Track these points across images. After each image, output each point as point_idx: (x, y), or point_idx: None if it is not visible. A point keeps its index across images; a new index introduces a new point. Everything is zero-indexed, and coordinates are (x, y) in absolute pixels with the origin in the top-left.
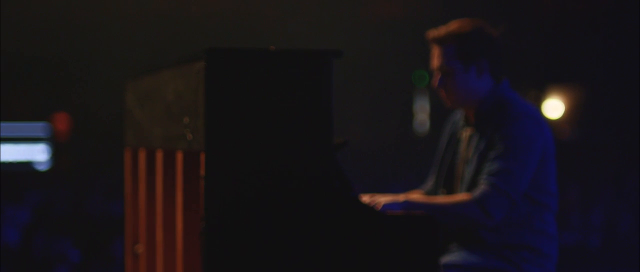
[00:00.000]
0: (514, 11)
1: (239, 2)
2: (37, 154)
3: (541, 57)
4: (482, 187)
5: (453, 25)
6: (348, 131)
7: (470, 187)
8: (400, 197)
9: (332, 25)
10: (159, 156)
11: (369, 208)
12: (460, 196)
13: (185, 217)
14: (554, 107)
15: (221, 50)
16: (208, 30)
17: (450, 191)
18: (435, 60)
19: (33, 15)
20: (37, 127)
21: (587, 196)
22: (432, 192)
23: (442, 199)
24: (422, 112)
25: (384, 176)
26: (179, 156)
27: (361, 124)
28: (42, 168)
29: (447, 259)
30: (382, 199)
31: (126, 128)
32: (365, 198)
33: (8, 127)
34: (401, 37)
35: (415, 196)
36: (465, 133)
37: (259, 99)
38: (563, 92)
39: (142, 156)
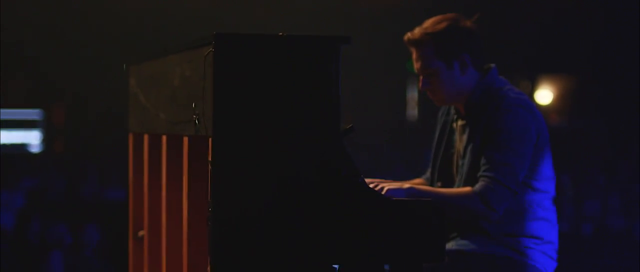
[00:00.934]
0: (504, 1)
1: None
2: (32, 139)
3: (531, 48)
4: (482, 182)
5: (427, 25)
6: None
7: (467, 181)
8: (405, 185)
9: (327, 14)
10: (164, 141)
11: (377, 194)
12: (464, 189)
13: (191, 202)
14: (543, 97)
15: (229, 36)
16: (198, 18)
17: (447, 183)
18: (416, 63)
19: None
20: (33, 113)
21: (578, 185)
22: (429, 184)
23: (446, 190)
24: (412, 101)
25: (377, 163)
26: (185, 141)
27: (354, 112)
28: (35, 151)
29: (449, 246)
30: (387, 185)
31: (129, 113)
32: (371, 184)
33: (3, 114)
34: (395, 25)
35: (418, 184)
36: (458, 124)
37: (267, 84)
38: (553, 81)
39: (146, 141)
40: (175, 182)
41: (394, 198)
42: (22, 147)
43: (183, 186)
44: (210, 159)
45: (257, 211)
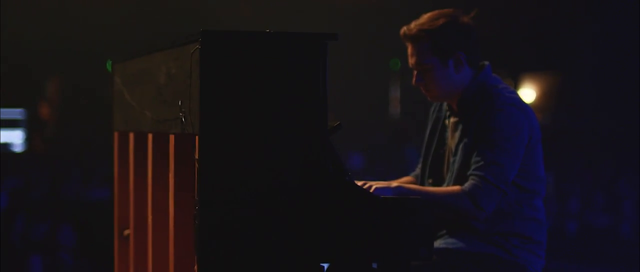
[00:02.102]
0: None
1: None
2: (14, 139)
3: (513, 46)
4: (472, 181)
5: (424, 20)
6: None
7: (457, 179)
8: (393, 183)
9: (309, 10)
10: (150, 139)
11: (365, 192)
12: (452, 188)
13: (177, 201)
14: (526, 95)
15: (216, 33)
16: (185, 15)
17: (438, 181)
18: (411, 58)
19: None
20: (15, 112)
21: (562, 182)
22: (420, 180)
23: (434, 189)
24: (394, 100)
25: (362, 163)
26: (172, 139)
27: (337, 110)
28: (18, 150)
29: (438, 243)
30: (375, 184)
31: (114, 111)
32: (359, 184)
33: None
34: (377, 23)
35: (406, 182)
36: (451, 121)
37: (254, 81)
38: (535, 80)
39: (131, 140)
40: (161, 181)
41: (384, 197)
42: (4, 147)
43: (169, 184)
44: (196, 157)
45: (244, 209)
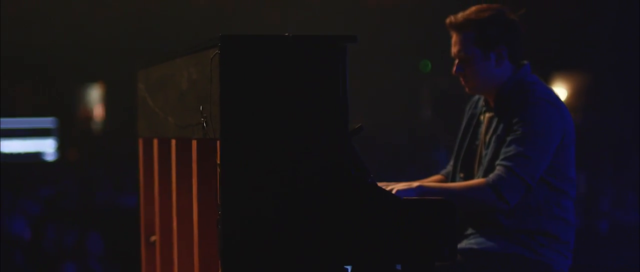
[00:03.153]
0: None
1: None
2: (46, 147)
3: (545, 45)
4: (497, 171)
5: (471, 11)
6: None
7: (487, 171)
8: (414, 184)
9: (338, 13)
10: (173, 145)
11: (387, 193)
12: (475, 181)
13: (201, 206)
14: (558, 94)
15: (235, 37)
16: (205, 20)
17: (469, 174)
18: (454, 47)
19: (39, 10)
20: (46, 121)
21: (593, 181)
22: (451, 175)
23: (456, 184)
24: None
25: (391, 164)
26: (194, 145)
27: (368, 112)
28: (50, 159)
29: (463, 244)
30: (396, 186)
31: (139, 118)
32: (381, 185)
33: (17, 122)
34: (406, 24)
35: (432, 181)
36: (486, 116)
37: (274, 85)
38: (567, 79)
39: (155, 146)
40: (185, 186)
41: (407, 198)
42: (37, 156)
43: (193, 189)
44: (218, 161)
45: (266, 212)
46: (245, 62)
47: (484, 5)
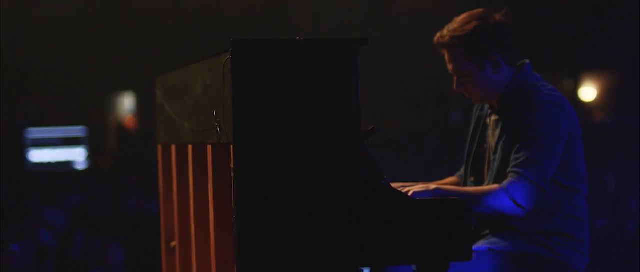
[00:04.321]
0: (545, 0)
1: None
2: (77, 156)
3: (574, 46)
4: (510, 178)
5: (455, 26)
6: (385, 121)
7: (497, 177)
8: (431, 186)
9: (366, 16)
10: (190, 150)
11: (401, 194)
12: (491, 187)
13: (217, 210)
14: (587, 94)
15: (246, 42)
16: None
17: (479, 178)
18: (449, 65)
19: (69, 20)
20: (76, 130)
21: (623, 181)
22: (463, 179)
23: (472, 189)
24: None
25: (421, 166)
26: (209, 150)
27: (397, 114)
28: (80, 167)
29: (480, 244)
30: (413, 188)
31: (157, 124)
32: (398, 187)
33: (48, 131)
34: (435, 26)
35: (447, 184)
36: (492, 119)
37: (286, 89)
38: (596, 78)
39: (173, 152)
40: (202, 191)
41: (421, 199)
42: (67, 165)
43: (209, 194)
44: (232, 166)
45: (280, 215)
46: (256, 67)
47: (466, 16)
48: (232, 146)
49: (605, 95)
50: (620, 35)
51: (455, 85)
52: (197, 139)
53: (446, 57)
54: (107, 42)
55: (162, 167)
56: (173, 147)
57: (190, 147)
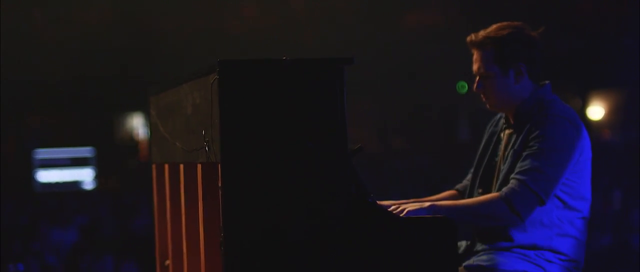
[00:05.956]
0: (554, 18)
1: (283, 12)
2: (84, 176)
3: (581, 64)
4: (511, 184)
5: (491, 29)
6: (390, 139)
7: (503, 185)
8: (426, 203)
9: (374, 33)
10: (182, 169)
11: (386, 212)
12: (487, 196)
13: (207, 229)
14: (595, 112)
15: (233, 62)
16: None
17: (487, 190)
18: (475, 64)
19: (77, 40)
20: (84, 151)
21: (629, 198)
22: (468, 191)
23: (468, 200)
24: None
25: (427, 184)
26: (199, 169)
27: (404, 132)
28: (88, 187)
29: (472, 261)
30: (407, 206)
31: (151, 144)
32: (392, 206)
33: (56, 152)
34: (443, 44)
35: (444, 198)
36: (506, 133)
37: (273, 108)
38: (604, 97)
39: (166, 171)
40: (193, 210)
41: (407, 217)
42: (75, 185)
43: (199, 212)
44: (220, 184)
45: (267, 233)
46: (243, 86)
47: (505, 23)
48: (219, 165)
49: (612, 114)
50: (628, 54)
51: (475, 86)
52: (188, 159)
53: (474, 56)
54: (114, 62)
55: (156, 186)
56: (166, 167)
57: (181, 166)
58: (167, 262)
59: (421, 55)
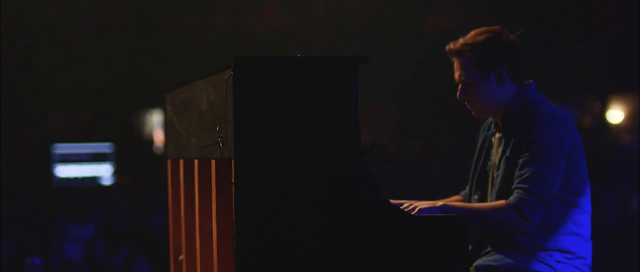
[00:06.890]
0: (574, 22)
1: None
2: (103, 172)
3: (601, 68)
4: (516, 194)
5: (469, 36)
6: (410, 140)
7: (499, 193)
8: (438, 203)
9: (391, 36)
10: (196, 165)
11: (398, 210)
12: (497, 202)
13: (220, 224)
14: (615, 116)
15: (247, 59)
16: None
17: (483, 196)
18: (456, 73)
19: (98, 37)
20: (103, 146)
21: None
22: (467, 196)
23: (479, 205)
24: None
25: (441, 183)
26: (213, 164)
27: (422, 132)
28: (106, 183)
29: (481, 261)
30: (420, 205)
31: (167, 140)
32: (405, 204)
33: (75, 147)
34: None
35: (454, 200)
36: (496, 137)
37: (287, 105)
38: (624, 101)
39: (181, 166)
40: (206, 205)
41: (419, 215)
42: (94, 180)
43: (212, 207)
44: (233, 180)
45: (280, 229)
46: (258, 83)
47: (482, 29)
48: (233, 161)
49: (632, 117)
50: None
51: (458, 94)
52: (203, 154)
53: (455, 64)
54: (135, 59)
55: (171, 182)
56: (181, 162)
57: (196, 162)
58: (181, 257)
59: (436, 60)
